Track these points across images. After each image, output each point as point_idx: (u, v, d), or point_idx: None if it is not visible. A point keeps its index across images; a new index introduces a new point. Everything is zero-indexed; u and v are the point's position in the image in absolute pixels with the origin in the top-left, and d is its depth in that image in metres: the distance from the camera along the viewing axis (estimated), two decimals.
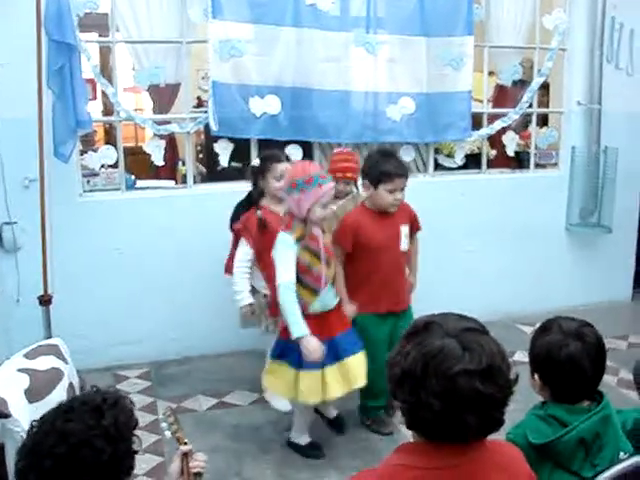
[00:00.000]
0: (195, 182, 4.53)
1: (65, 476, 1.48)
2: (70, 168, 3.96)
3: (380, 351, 3.15)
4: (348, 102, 4.49)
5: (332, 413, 3.41)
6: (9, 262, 3.98)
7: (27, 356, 2.73)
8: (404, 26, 4.52)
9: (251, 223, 3.46)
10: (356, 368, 3.12)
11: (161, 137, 4.33)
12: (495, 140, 5.19)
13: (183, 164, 4.74)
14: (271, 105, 4.30)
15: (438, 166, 4.99)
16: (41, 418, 1.56)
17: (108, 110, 5.13)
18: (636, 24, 5.09)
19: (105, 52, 5.55)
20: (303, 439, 3.37)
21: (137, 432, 1.63)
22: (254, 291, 3.58)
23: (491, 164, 5.16)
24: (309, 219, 3.02)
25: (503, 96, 5.36)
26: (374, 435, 3.53)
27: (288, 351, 3.08)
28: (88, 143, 5.13)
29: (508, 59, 4.99)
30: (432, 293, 4.05)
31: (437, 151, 4.98)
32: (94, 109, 5.36)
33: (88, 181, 4.26)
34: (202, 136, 5.70)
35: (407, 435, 1.51)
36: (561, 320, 1.99)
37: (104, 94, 4.34)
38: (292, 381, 3.08)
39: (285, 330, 3.04)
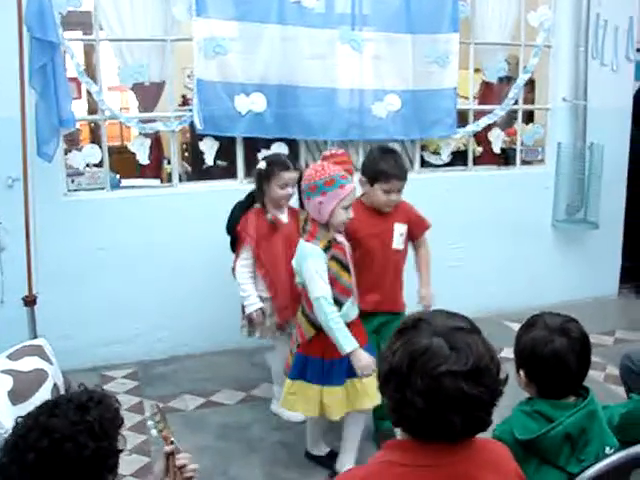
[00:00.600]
0: (181, 181, 4.49)
1: (48, 471, 1.48)
2: (54, 167, 3.92)
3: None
4: (334, 99, 4.47)
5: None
6: None
7: (10, 357, 2.69)
8: (390, 23, 4.51)
9: (250, 224, 3.41)
10: (372, 387, 2.82)
11: (146, 136, 4.29)
12: (481, 137, 5.19)
13: (168, 163, 4.71)
14: (256, 103, 4.28)
15: (424, 163, 4.97)
16: (26, 415, 1.56)
17: (93, 109, 5.09)
18: (621, 21, 5.12)
19: (89, 50, 5.52)
20: (321, 450, 3.25)
21: (124, 432, 1.63)
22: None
23: (477, 161, 5.16)
24: (331, 224, 2.85)
25: (489, 93, 5.37)
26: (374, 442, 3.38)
27: (310, 366, 2.91)
28: (73, 142, 5.08)
29: (494, 56, 4.99)
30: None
31: (423, 148, 4.96)
32: (79, 108, 5.33)
33: (72, 180, 4.22)
34: (187, 134, 5.69)
35: None
36: (546, 316, 2.00)
37: (89, 93, 4.30)
38: (317, 398, 2.91)
39: (304, 345, 2.91)
